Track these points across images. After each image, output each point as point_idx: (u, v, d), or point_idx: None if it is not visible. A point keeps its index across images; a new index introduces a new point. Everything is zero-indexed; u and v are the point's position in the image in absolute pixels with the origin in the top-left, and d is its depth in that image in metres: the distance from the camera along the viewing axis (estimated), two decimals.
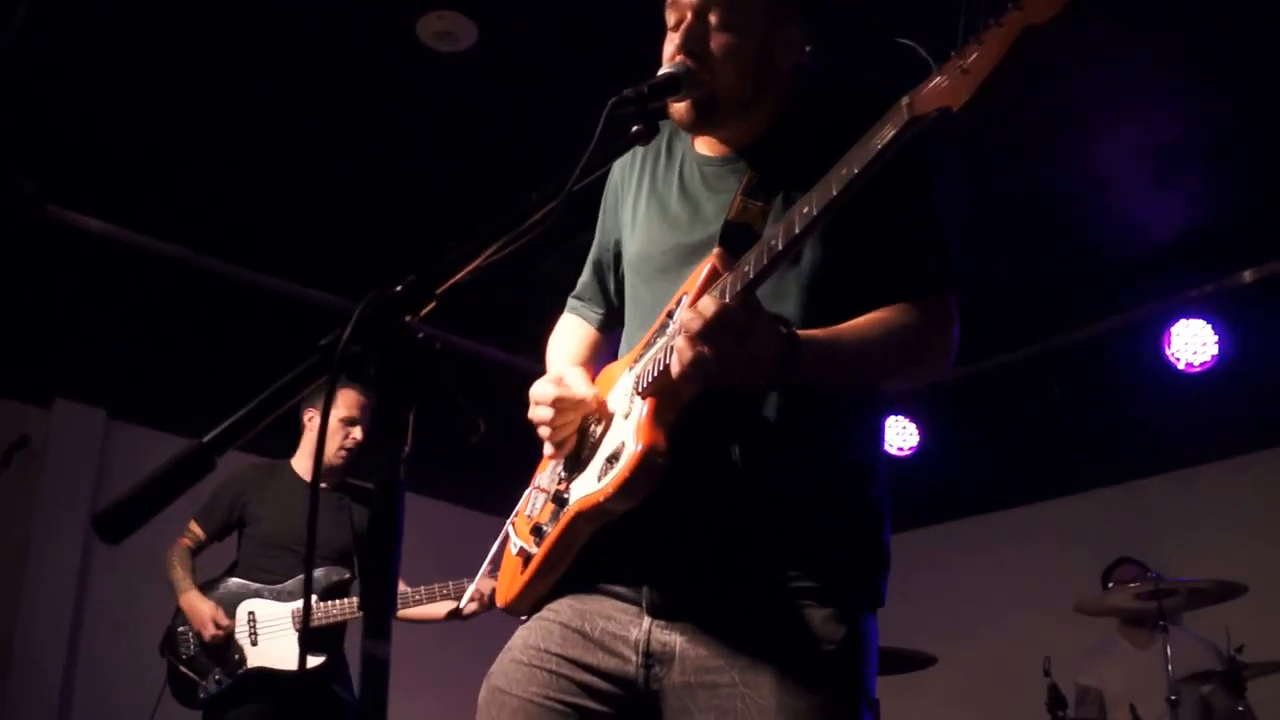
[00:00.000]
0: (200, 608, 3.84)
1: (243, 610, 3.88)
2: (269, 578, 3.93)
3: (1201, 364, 4.90)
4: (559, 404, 1.60)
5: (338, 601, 3.81)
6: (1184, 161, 4.44)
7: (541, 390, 1.62)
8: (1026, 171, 4.53)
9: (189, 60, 4.04)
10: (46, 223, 4.77)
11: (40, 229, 4.77)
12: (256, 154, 4.58)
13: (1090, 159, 4.46)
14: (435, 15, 3.78)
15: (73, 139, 4.50)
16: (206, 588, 3.94)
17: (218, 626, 3.79)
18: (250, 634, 3.84)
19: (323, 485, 3.99)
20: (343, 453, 3.99)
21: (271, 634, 3.84)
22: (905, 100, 1.24)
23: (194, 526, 4.03)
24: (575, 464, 1.61)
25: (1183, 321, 4.95)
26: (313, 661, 3.78)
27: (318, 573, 3.86)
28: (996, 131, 4.15)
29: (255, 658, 3.80)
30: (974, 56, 1.17)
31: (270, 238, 5.11)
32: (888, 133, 1.25)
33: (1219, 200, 4.69)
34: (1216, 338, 4.88)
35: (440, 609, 3.87)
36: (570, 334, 1.92)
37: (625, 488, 1.44)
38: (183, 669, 3.85)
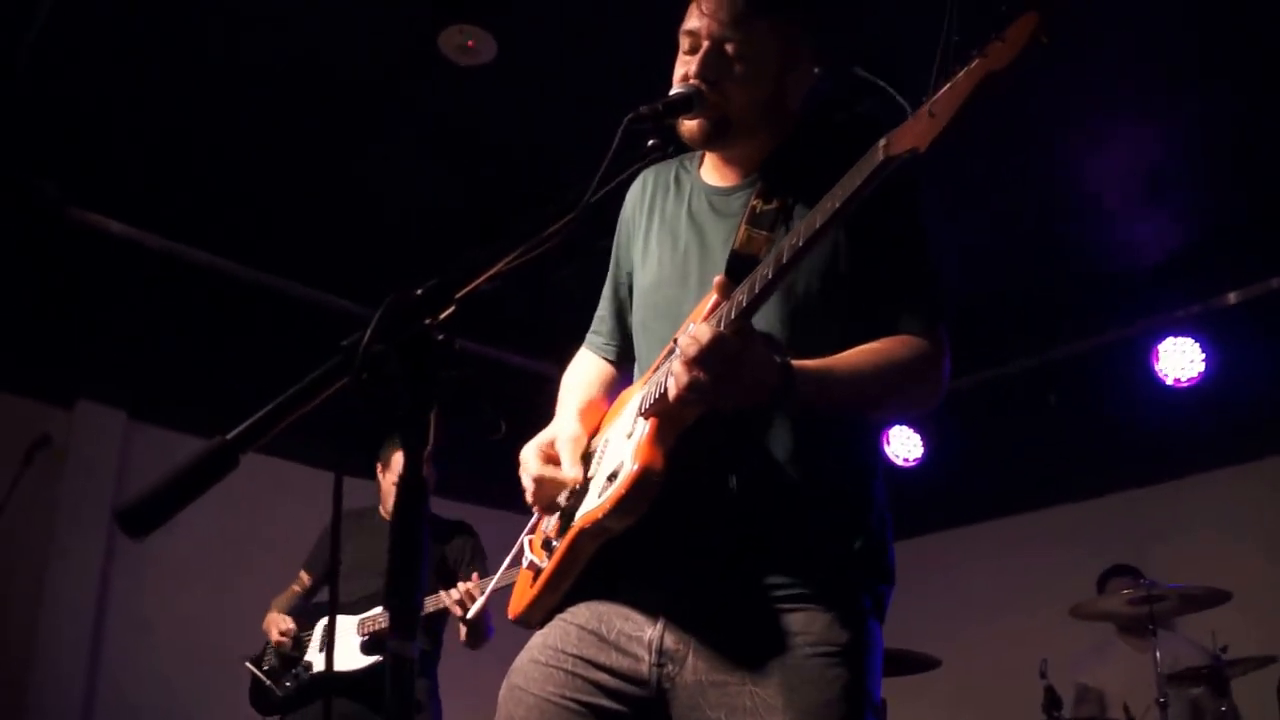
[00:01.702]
0: (272, 616, 4.17)
1: (319, 626, 4.11)
2: (349, 597, 4.07)
3: (1189, 380, 5.07)
4: (539, 482, 1.70)
5: None
6: (1172, 186, 4.58)
7: (526, 462, 1.73)
8: (1023, 195, 4.67)
9: (212, 67, 4.09)
10: (69, 225, 4.82)
11: (63, 231, 4.82)
12: (278, 161, 4.63)
13: (1083, 183, 4.61)
14: (456, 29, 3.84)
15: (96, 143, 4.55)
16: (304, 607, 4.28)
17: (282, 633, 4.06)
18: (322, 645, 4.05)
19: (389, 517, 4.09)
20: None
21: (337, 640, 3.98)
22: (882, 142, 1.33)
23: (303, 575, 4.33)
24: (584, 482, 1.67)
25: (1171, 339, 5.12)
26: (368, 660, 3.90)
27: (377, 587, 3.95)
28: (995, 156, 4.26)
29: (320, 665, 4.02)
30: (939, 100, 1.26)
31: (291, 243, 5.16)
32: (865, 171, 1.34)
33: (1205, 224, 4.85)
34: (1203, 355, 5.05)
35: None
36: (583, 373, 1.96)
37: (621, 505, 1.49)
38: (263, 678, 4.12)
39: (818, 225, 1.37)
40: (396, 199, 4.89)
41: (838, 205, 1.35)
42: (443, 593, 3.74)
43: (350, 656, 3.94)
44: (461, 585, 3.73)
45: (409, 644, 1.05)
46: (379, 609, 3.92)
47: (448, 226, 4.96)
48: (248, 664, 4.16)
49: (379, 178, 4.75)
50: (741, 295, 1.43)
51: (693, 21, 1.65)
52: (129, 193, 4.83)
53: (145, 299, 5.14)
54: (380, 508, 4.34)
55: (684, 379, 1.39)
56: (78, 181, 4.72)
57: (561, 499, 1.69)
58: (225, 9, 3.82)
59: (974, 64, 1.23)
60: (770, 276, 1.40)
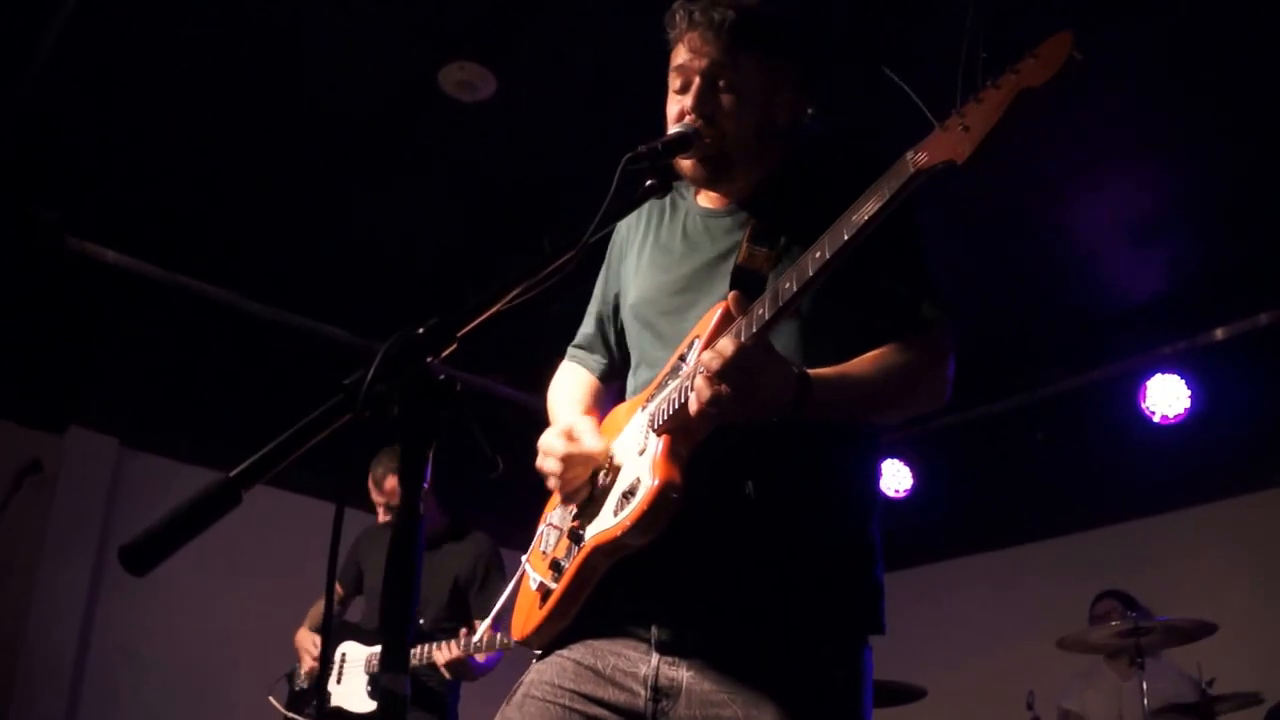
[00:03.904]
0: (301, 639, 4.13)
1: (339, 651, 4.03)
2: (369, 623, 4.06)
3: (1175, 416, 5.14)
4: (568, 460, 1.65)
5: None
6: (1159, 226, 4.65)
7: (551, 443, 1.68)
8: (1015, 235, 4.75)
9: (213, 100, 4.12)
10: (65, 253, 4.83)
11: (59, 259, 4.84)
12: (277, 193, 4.66)
13: (1073, 223, 4.67)
14: (456, 66, 3.89)
15: (95, 172, 4.57)
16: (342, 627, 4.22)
17: (315, 659, 4.03)
18: (338, 673, 3.98)
19: None
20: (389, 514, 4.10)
21: (351, 675, 3.94)
22: (910, 155, 1.33)
23: (338, 586, 4.24)
24: (588, 500, 1.66)
25: (1158, 376, 5.19)
26: (372, 705, 3.79)
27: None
28: (988, 196, 4.34)
29: (336, 696, 3.93)
30: (974, 115, 1.26)
31: (288, 274, 5.18)
32: (895, 183, 1.34)
33: (1192, 263, 4.92)
34: (1189, 392, 5.12)
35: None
36: (573, 382, 1.97)
37: (642, 522, 1.48)
38: (288, 712, 4.08)
39: (845, 238, 1.36)
40: (394, 231, 4.91)
41: (866, 218, 1.34)
42: (435, 652, 3.65)
43: (358, 695, 3.87)
44: (447, 650, 3.66)
45: (401, 678, 1.05)
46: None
47: (445, 259, 4.99)
48: (271, 698, 4.14)
49: (377, 210, 4.78)
50: (762, 309, 1.43)
51: (681, 58, 1.68)
52: (128, 222, 4.85)
53: (139, 327, 5.15)
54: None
55: (706, 393, 1.40)
56: (77, 210, 4.74)
57: (582, 493, 1.66)
58: (227, 43, 3.85)
59: (1008, 79, 1.22)
60: (795, 290, 1.40)
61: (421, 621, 3.89)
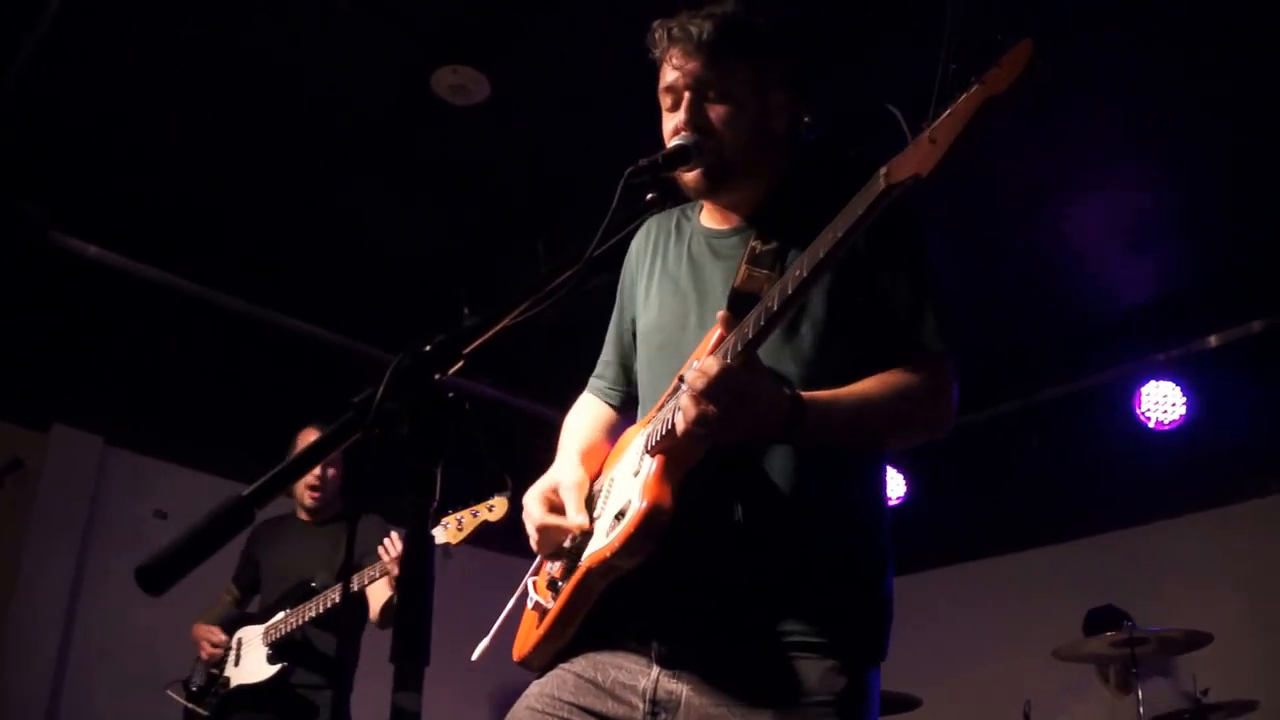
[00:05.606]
0: (199, 630, 4.16)
1: (235, 639, 4.10)
2: (264, 604, 4.11)
3: (1170, 423, 5.16)
4: (543, 531, 1.69)
5: (299, 606, 3.90)
6: (1153, 233, 4.67)
7: (530, 510, 1.72)
8: (1009, 241, 4.76)
9: (204, 101, 4.09)
10: (51, 249, 4.79)
11: (44, 255, 4.79)
12: (268, 194, 4.63)
13: (1067, 230, 4.68)
14: (449, 70, 3.88)
15: (80, 168, 4.52)
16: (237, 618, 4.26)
17: (213, 645, 4.06)
18: (235, 658, 4.05)
19: (306, 518, 4.20)
20: (311, 494, 4.12)
21: (249, 653, 4.03)
22: (883, 170, 1.35)
23: (231, 586, 4.36)
24: (574, 548, 1.67)
25: (1152, 383, 5.21)
26: (273, 669, 3.91)
27: (287, 587, 4.01)
28: (983, 204, 4.33)
29: (236, 678, 4.01)
30: (940, 126, 1.28)
31: (274, 273, 5.15)
32: (867, 199, 1.36)
33: (1186, 269, 4.93)
34: (1184, 399, 5.14)
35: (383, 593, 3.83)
36: (585, 417, 1.96)
37: (630, 543, 1.49)
38: (190, 704, 4.10)
39: (821, 255, 1.37)
40: (386, 234, 4.89)
41: (840, 235, 1.36)
42: (383, 557, 3.62)
43: (257, 666, 3.95)
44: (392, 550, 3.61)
45: (415, 696, 1.06)
46: (281, 614, 3.93)
47: (438, 262, 4.98)
48: (169, 691, 4.15)
49: (369, 212, 4.75)
50: (747, 328, 1.44)
51: (668, 77, 1.69)
52: (113, 219, 4.81)
53: (124, 324, 5.11)
54: (298, 512, 4.25)
55: (692, 412, 1.40)
56: (62, 206, 4.70)
57: (566, 543, 1.68)
58: (217, 42, 3.82)
59: (973, 90, 1.25)
60: (775, 308, 1.41)
61: (314, 584, 3.96)
